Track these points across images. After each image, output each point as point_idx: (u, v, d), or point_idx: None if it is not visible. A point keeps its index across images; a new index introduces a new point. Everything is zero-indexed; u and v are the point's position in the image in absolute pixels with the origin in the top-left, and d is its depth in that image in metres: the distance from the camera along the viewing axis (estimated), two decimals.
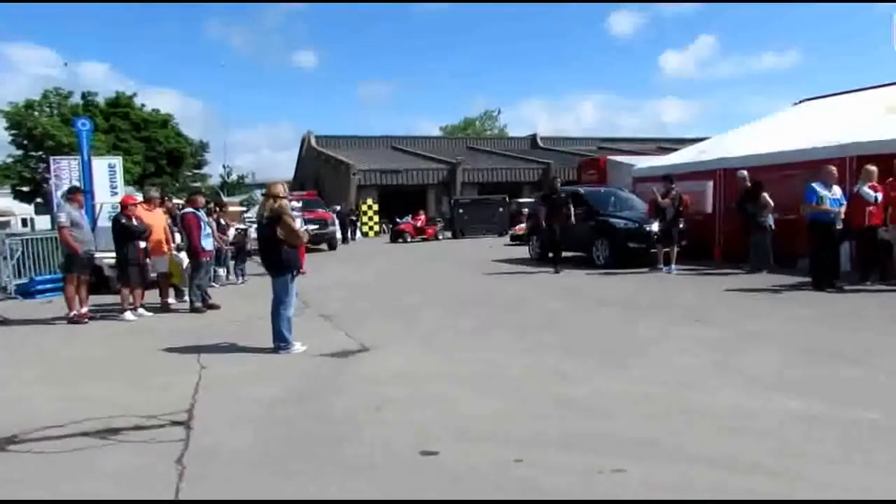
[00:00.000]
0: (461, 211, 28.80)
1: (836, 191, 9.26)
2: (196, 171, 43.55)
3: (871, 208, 9.17)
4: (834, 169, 9.39)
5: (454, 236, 28.12)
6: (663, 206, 12.10)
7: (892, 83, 13.52)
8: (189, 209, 9.66)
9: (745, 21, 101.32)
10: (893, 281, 9.16)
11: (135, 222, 8.92)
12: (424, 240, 26.37)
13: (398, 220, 29.00)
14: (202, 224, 9.60)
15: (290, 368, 5.81)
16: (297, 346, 6.41)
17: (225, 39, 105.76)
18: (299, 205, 20.21)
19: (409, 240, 26.26)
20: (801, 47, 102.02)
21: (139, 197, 10.31)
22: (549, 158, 38.98)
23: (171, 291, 10.36)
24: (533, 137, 48.57)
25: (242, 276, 13.35)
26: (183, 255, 10.02)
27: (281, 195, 6.55)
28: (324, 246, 22.38)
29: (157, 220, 9.48)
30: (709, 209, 13.59)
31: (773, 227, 11.29)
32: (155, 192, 10.16)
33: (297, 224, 7.61)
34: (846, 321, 7.08)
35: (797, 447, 3.54)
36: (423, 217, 28.78)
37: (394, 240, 27.03)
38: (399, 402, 4.70)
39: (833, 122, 12.61)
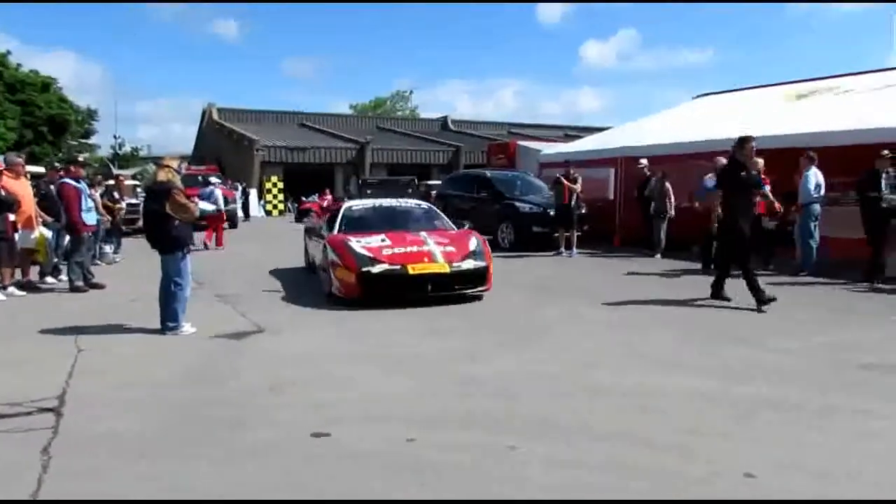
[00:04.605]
0: (369, 192, 28.22)
1: None
2: (83, 140, 40.35)
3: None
4: (724, 161, 9.84)
5: None
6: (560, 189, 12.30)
7: (790, 81, 14.58)
8: (68, 179, 8.81)
9: (667, 16, 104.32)
10: (771, 267, 9.85)
11: (2, 193, 8.01)
12: None
13: (304, 198, 28.20)
14: (83, 196, 8.79)
15: (178, 350, 5.45)
16: (187, 328, 6.01)
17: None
18: (217, 180, 19.98)
19: None
20: (718, 46, 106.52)
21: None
22: (459, 142, 39.10)
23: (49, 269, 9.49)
24: (444, 120, 48.50)
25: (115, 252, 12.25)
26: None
27: (172, 167, 6.12)
28: (225, 224, 21.53)
29: (24, 189, 8.51)
30: (611, 196, 14.07)
31: (672, 214, 11.80)
32: (18, 158, 9.07)
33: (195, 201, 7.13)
34: (735, 304, 7.47)
35: (692, 423, 3.66)
36: (329, 196, 28.08)
37: (299, 219, 26.23)
38: (297, 383, 4.50)
39: (729, 116, 13.32)
